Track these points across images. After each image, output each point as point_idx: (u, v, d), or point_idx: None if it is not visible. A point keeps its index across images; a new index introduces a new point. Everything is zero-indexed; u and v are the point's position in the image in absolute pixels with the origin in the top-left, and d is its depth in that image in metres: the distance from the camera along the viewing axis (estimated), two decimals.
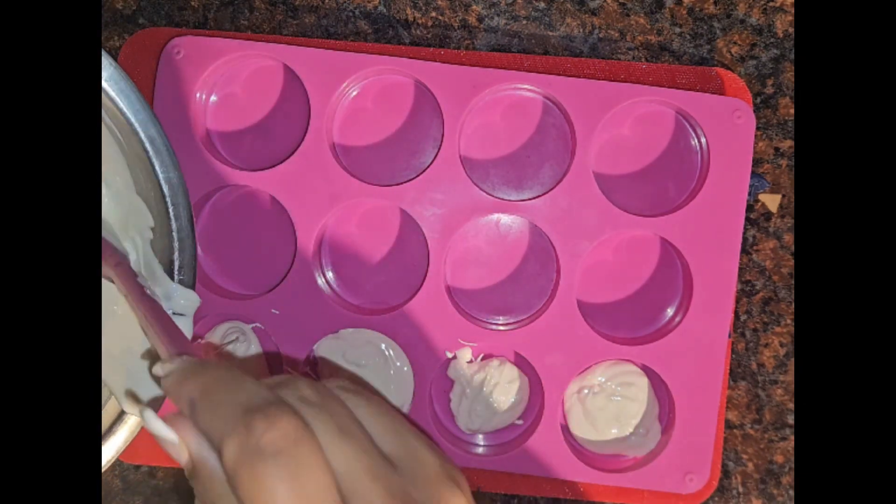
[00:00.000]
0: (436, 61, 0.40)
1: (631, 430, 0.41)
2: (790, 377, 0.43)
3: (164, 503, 0.44)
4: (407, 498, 0.22)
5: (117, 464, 0.44)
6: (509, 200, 0.41)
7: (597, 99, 0.39)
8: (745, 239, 0.43)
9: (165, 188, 0.31)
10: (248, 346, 0.41)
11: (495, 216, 0.42)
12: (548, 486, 0.42)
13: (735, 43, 0.42)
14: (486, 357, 0.42)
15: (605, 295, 0.42)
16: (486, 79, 0.40)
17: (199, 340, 0.41)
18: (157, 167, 0.31)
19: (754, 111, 0.41)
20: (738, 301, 0.43)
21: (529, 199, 0.40)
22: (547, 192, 0.40)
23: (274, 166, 0.40)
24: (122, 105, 0.31)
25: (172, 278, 0.32)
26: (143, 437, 0.42)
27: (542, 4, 0.42)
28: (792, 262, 0.43)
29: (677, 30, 0.42)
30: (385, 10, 0.43)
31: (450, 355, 0.41)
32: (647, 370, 0.41)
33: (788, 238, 0.43)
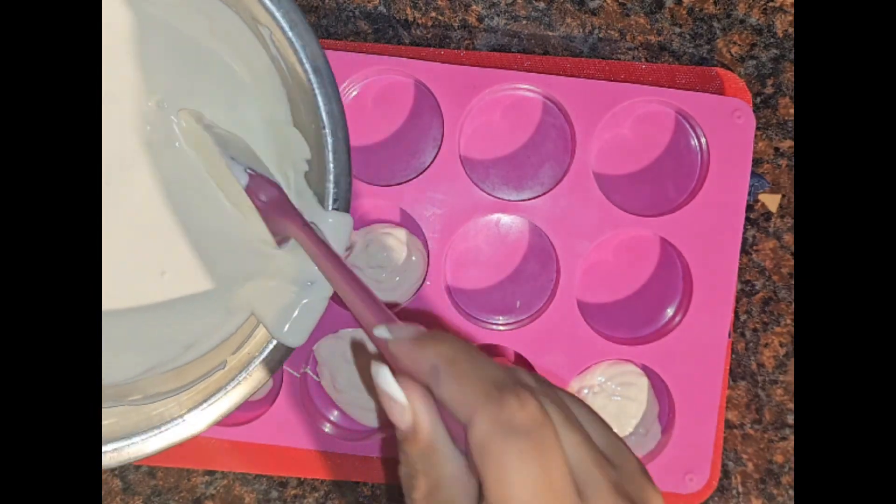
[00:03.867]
0: (436, 61, 0.40)
1: (631, 430, 0.41)
2: (790, 377, 0.43)
3: (164, 503, 0.44)
4: (624, 490, 0.22)
5: None
6: (509, 200, 0.41)
7: (597, 99, 0.39)
8: (744, 239, 0.43)
9: (326, 120, 0.31)
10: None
11: (495, 216, 0.42)
12: None
13: (735, 43, 0.42)
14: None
15: (605, 295, 0.42)
16: (486, 79, 0.40)
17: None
18: (321, 99, 0.31)
19: (754, 111, 0.41)
20: (737, 301, 0.43)
21: (529, 199, 0.40)
22: (547, 192, 0.40)
23: None
24: (290, 35, 0.31)
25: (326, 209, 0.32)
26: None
27: (542, 4, 0.42)
28: (792, 262, 0.43)
29: (677, 30, 0.42)
30: (385, 10, 0.43)
31: None
32: (646, 370, 0.41)
33: (788, 238, 0.43)
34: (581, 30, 0.42)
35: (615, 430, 0.41)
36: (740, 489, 0.44)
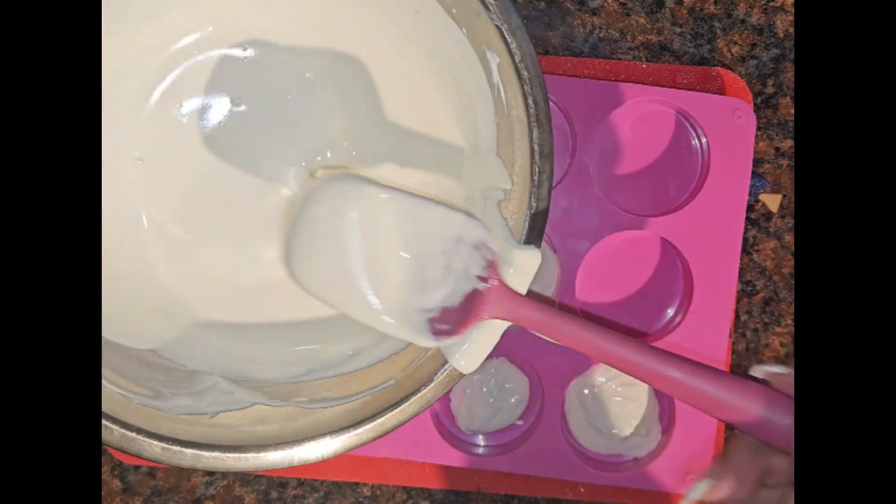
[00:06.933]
0: None
1: (631, 430, 0.41)
2: None
3: None
4: None
5: (117, 464, 0.44)
6: None
7: (597, 99, 0.39)
8: (745, 239, 0.43)
9: (537, 154, 0.31)
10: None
11: None
12: (548, 486, 0.42)
13: (735, 43, 0.42)
14: (486, 357, 0.42)
15: (606, 295, 0.42)
16: None
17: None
18: (535, 133, 0.31)
19: (755, 111, 0.41)
20: (738, 301, 0.43)
21: None
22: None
23: None
24: (519, 66, 0.30)
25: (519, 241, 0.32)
26: None
27: (543, 4, 0.42)
28: (792, 263, 0.43)
29: (678, 30, 0.42)
30: None
31: None
32: None
33: (789, 238, 0.43)
34: (581, 29, 0.42)
35: (616, 430, 0.41)
36: None
